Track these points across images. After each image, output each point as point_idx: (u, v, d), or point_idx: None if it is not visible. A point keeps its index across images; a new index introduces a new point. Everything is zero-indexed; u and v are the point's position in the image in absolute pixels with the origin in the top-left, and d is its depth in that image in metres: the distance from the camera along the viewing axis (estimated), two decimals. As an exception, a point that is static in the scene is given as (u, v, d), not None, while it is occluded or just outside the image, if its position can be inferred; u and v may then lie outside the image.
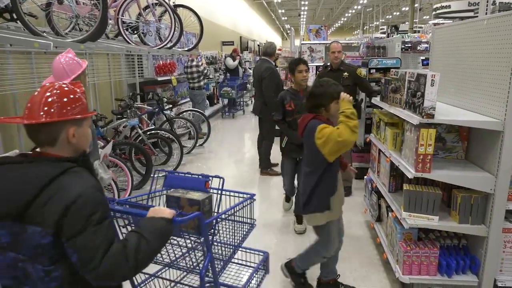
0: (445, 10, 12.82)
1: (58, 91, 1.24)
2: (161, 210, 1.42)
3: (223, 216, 1.90)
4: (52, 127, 1.22)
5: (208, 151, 7.18)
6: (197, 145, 6.87)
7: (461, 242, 2.65)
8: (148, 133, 5.40)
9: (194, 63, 7.78)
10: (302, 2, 24.40)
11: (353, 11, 28.95)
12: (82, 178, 1.24)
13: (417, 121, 2.34)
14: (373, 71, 5.05)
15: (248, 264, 2.39)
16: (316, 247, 2.64)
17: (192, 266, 1.82)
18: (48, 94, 1.22)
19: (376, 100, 3.37)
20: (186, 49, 7.09)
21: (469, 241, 2.64)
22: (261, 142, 5.73)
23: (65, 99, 1.24)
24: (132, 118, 5.08)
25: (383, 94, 3.14)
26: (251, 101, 13.36)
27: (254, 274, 2.27)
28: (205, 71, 8.01)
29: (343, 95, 2.39)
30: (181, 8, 5.87)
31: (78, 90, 1.30)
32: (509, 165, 2.26)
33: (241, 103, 11.70)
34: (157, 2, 5.15)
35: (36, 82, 4.08)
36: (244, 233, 2.09)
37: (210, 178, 1.95)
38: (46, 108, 1.20)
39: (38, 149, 1.28)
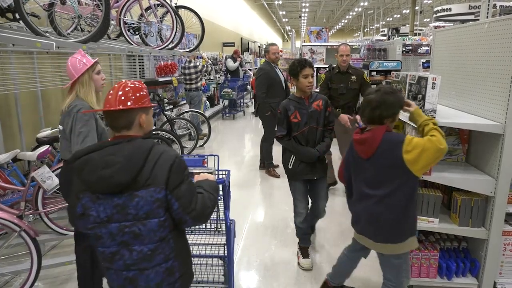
0: (445, 13, 12.88)
1: (129, 88, 1.56)
2: (205, 175, 1.80)
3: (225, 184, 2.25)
4: (130, 114, 1.53)
5: (208, 152, 7.19)
6: (197, 145, 6.89)
7: (461, 245, 2.66)
8: (149, 133, 5.40)
9: (192, 64, 7.73)
10: (303, 4, 24.47)
11: (354, 13, 29.03)
12: (167, 146, 1.58)
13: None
14: (374, 73, 5.08)
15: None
16: (399, 280, 2.24)
17: (213, 228, 2.33)
18: (121, 92, 1.53)
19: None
20: (187, 50, 7.10)
21: (469, 243, 2.65)
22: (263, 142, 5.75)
23: (136, 93, 1.56)
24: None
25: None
26: (251, 102, 13.39)
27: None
28: (204, 69, 7.93)
29: (412, 102, 2.23)
30: (182, 9, 5.90)
31: (143, 87, 1.61)
32: (510, 168, 2.27)
33: (242, 104, 11.72)
34: (159, 3, 5.17)
35: (38, 82, 4.09)
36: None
37: (206, 157, 2.32)
38: (123, 99, 1.52)
39: (118, 134, 1.56)
